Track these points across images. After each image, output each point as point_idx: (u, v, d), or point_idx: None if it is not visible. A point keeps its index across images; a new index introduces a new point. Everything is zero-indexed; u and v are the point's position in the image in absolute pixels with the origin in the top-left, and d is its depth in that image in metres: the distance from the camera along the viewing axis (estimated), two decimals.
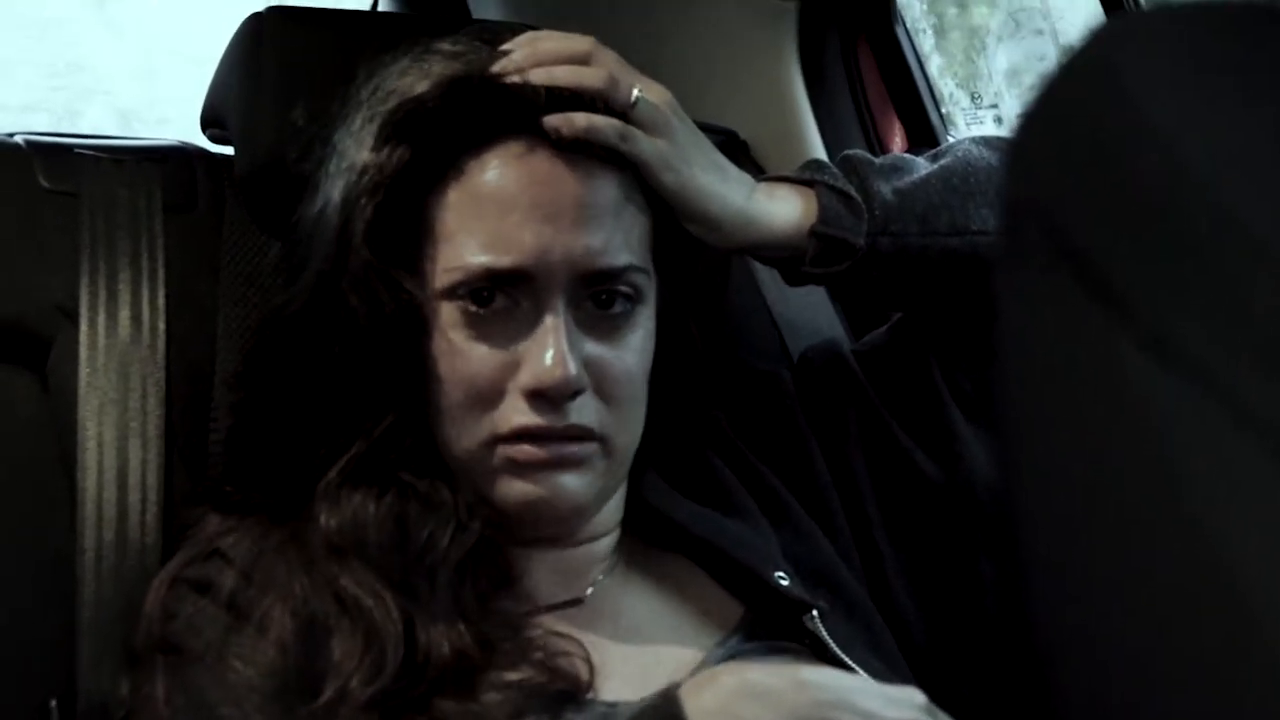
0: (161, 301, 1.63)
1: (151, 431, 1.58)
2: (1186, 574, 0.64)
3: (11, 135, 1.72)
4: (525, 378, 1.39)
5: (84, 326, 1.59)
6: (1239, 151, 0.64)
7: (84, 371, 1.57)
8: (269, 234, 1.69)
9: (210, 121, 1.81)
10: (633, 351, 1.45)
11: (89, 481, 1.54)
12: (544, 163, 1.42)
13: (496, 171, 1.42)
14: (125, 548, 1.53)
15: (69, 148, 1.70)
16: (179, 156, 1.75)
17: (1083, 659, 0.70)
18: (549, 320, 1.39)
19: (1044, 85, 0.70)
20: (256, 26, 1.71)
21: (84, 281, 1.60)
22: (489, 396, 1.41)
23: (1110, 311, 0.66)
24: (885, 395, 1.67)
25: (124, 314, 1.61)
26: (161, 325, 1.62)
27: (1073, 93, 0.69)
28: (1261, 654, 0.61)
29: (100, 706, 1.46)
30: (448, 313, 1.41)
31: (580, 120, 1.42)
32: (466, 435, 1.42)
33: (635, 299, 1.45)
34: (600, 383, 1.42)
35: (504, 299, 1.41)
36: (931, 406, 1.65)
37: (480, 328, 1.41)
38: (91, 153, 1.69)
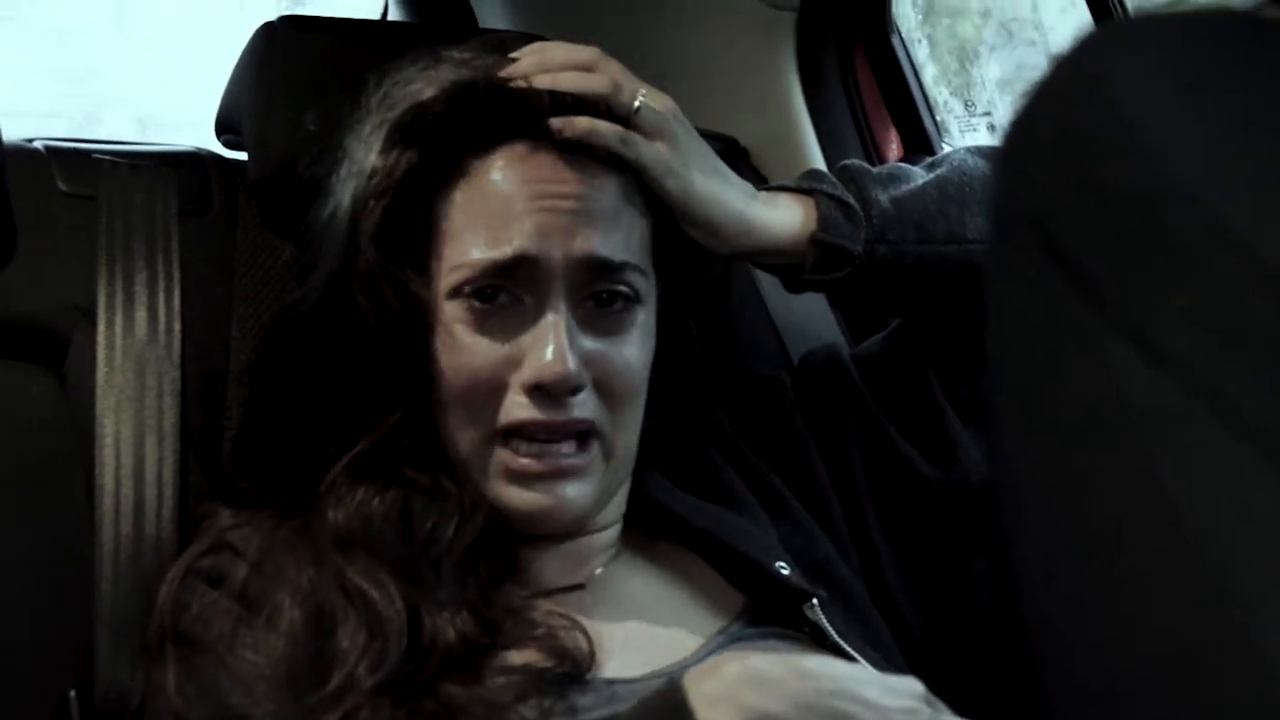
0: (177, 302, 1.65)
1: (167, 429, 1.59)
2: (1168, 566, 0.64)
3: (31, 140, 1.74)
4: (526, 372, 1.41)
5: (101, 326, 1.61)
6: (1225, 158, 0.65)
7: (101, 370, 1.59)
8: (281, 237, 1.72)
9: (224, 128, 1.84)
10: (632, 348, 1.47)
11: (106, 477, 1.56)
12: (547, 163, 1.45)
13: (501, 171, 1.45)
14: (141, 542, 1.55)
15: (87, 153, 1.72)
16: (194, 161, 1.78)
17: (1067, 649, 0.70)
18: (550, 316, 1.42)
19: (1033, 92, 0.71)
20: (269, 35, 1.74)
21: (101, 282, 1.63)
22: (490, 390, 1.43)
23: (1097, 313, 0.66)
24: (882, 399, 1.69)
25: (140, 314, 1.63)
26: (177, 325, 1.64)
27: (1061, 100, 0.70)
28: (1240, 642, 0.61)
29: (118, 697, 1.48)
30: (453, 310, 1.44)
31: (583, 123, 1.45)
32: (468, 430, 1.45)
33: (634, 299, 1.48)
34: (600, 379, 1.45)
35: (507, 296, 1.43)
36: (927, 410, 1.67)
37: (483, 324, 1.43)
38: (109, 158, 1.71)
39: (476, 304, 1.43)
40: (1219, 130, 0.66)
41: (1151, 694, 0.65)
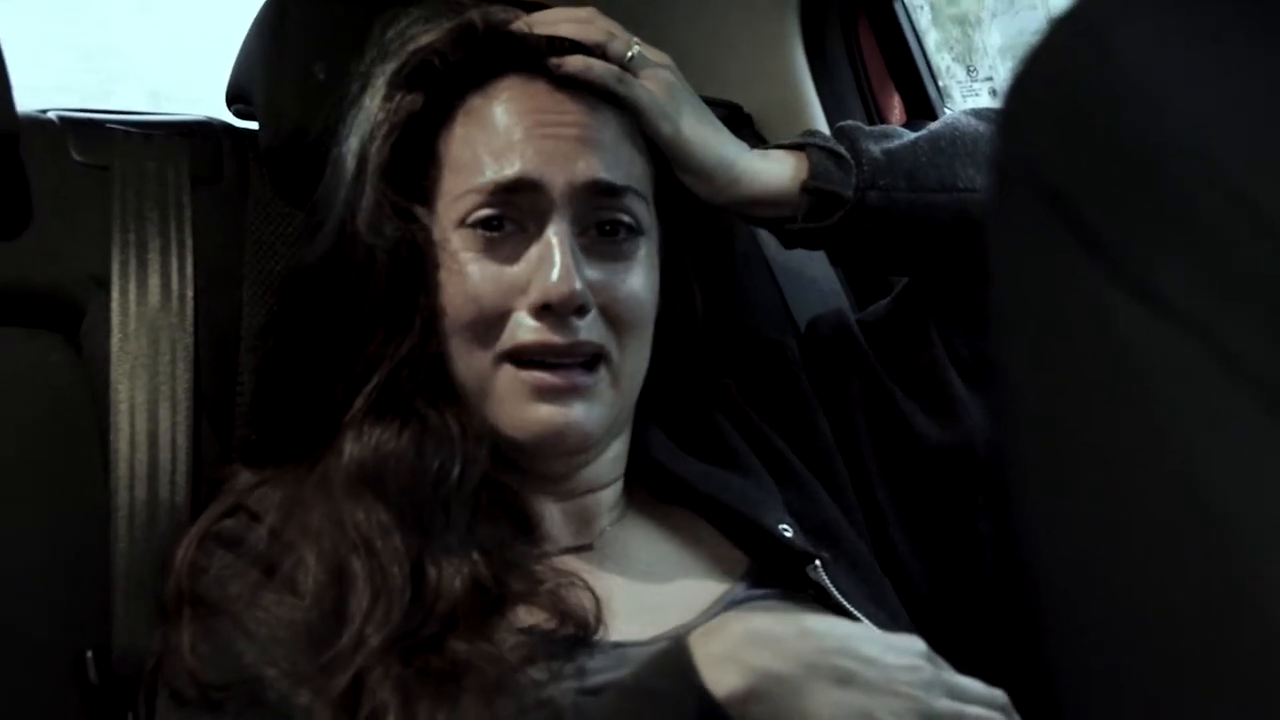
0: (189, 270, 1.66)
1: (180, 394, 1.61)
2: (1172, 517, 0.65)
3: (45, 112, 1.74)
4: (533, 294, 1.43)
5: (115, 294, 1.63)
6: (1226, 109, 0.65)
7: (115, 337, 1.61)
8: (292, 205, 1.74)
9: (235, 97, 1.86)
10: (636, 278, 1.49)
11: (121, 442, 1.58)
12: (547, 96, 1.49)
13: (502, 105, 1.48)
14: (156, 506, 1.56)
15: (100, 123, 1.74)
16: (206, 131, 1.79)
17: (1072, 602, 0.71)
18: (554, 239, 1.44)
19: (1034, 48, 0.71)
20: (279, 4, 1.75)
21: (115, 251, 1.64)
22: (497, 316, 1.45)
23: (1100, 263, 0.66)
24: (887, 361, 1.70)
25: (153, 282, 1.64)
26: (189, 293, 1.65)
27: (1063, 54, 0.70)
28: (1244, 594, 0.62)
29: (134, 659, 1.49)
30: (459, 241, 1.46)
31: (578, 61, 1.49)
32: (475, 355, 1.46)
33: (637, 229, 1.50)
34: (606, 305, 1.46)
35: (512, 226, 1.46)
36: (932, 371, 1.69)
37: (490, 252, 1.45)
38: (122, 128, 1.73)
39: (483, 233, 1.46)
40: (1222, 82, 0.66)
41: (1156, 645, 0.66)
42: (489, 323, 1.45)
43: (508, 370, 1.45)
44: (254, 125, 1.79)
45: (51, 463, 1.61)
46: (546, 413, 1.45)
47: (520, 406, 1.45)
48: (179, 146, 1.73)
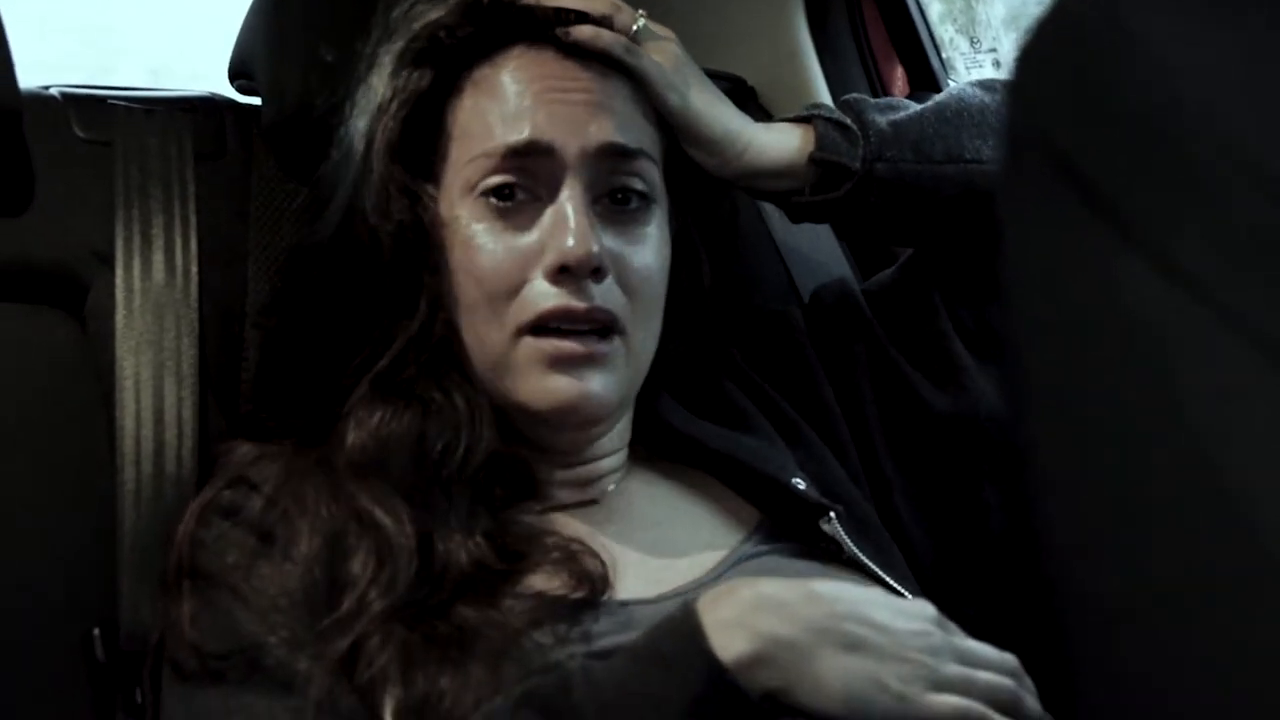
0: (193, 246, 1.66)
1: (185, 370, 1.61)
2: (1186, 487, 0.65)
3: (47, 88, 1.74)
4: (550, 257, 1.42)
5: (120, 271, 1.62)
6: (1239, 77, 0.65)
7: (120, 314, 1.61)
8: (296, 180, 1.73)
9: (237, 73, 1.85)
10: (650, 251, 1.49)
11: (127, 419, 1.58)
12: (556, 62, 1.49)
13: (510, 74, 1.48)
14: (162, 482, 1.56)
15: (103, 99, 1.73)
16: (208, 106, 1.79)
17: (1086, 568, 0.71)
18: (568, 205, 1.43)
19: (1043, 17, 0.71)
20: None
21: (119, 227, 1.64)
22: (514, 286, 1.44)
23: (1112, 230, 0.67)
24: (892, 330, 1.70)
25: (158, 258, 1.64)
26: (194, 268, 1.65)
27: (1073, 23, 0.70)
28: (1261, 561, 0.62)
29: (140, 635, 1.49)
30: (471, 210, 1.46)
31: (587, 29, 1.49)
32: (494, 331, 1.45)
33: (650, 197, 1.50)
34: (621, 274, 1.46)
35: (524, 194, 1.45)
36: (936, 340, 1.69)
37: (503, 222, 1.45)
38: (124, 103, 1.72)
39: (494, 202, 1.45)
40: (1235, 51, 0.66)
41: (1172, 617, 0.66)
42: (505, 294, 1.44)
43: (526, 342, 1.45)
44: (257, 101, 1.79)
45: (57, 439, 1.61)
46: (565, 383, 1.45)
47: (539, 377, 1.45)
48: (182, 122, 1.73)
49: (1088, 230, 0.68)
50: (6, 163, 1.63)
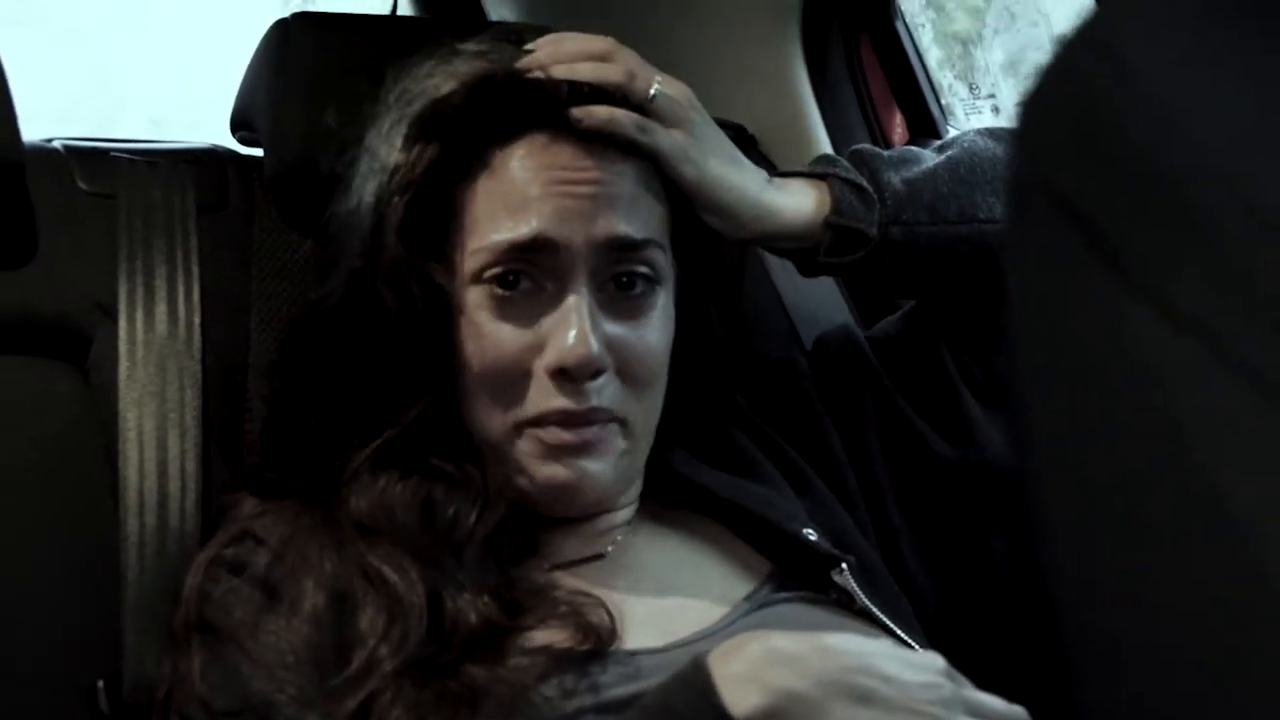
0: (196, 297, 1.66)
1: (189, 422, 1.61)
2: (1196, 529, 0.65)
3: (50, 140, 1.75)
4: (550, 356, 1.42)
5: (123, 323, 1.62)
6: (1240, 122, 0.65)
7: (123, 366, 1.61)
8: (298, 231, 1.73)
9: (239, 125, 1.85)
10: (654, 331, 1.48)
11: (130, 471, 1.58)
12: (566, 152, 1.46)
13: (520, 160, 1.46)
14: (166, 534, 1.56)
15: (105, 151, 1.74)
16: (210, 158, 1.79)
17: (1095, 612, 0.71)
18: (572, 300, 1.43)
19: (1048, 62, 0.71)
20: (283, 32, 1.76)
21: (122, 279, 1.64)
22: (514, 378, 1.44)
23: (1118, 277, 0.66)
24: (898, 379, 1.70)
25: (160, 310, 1.64)
26: (197, 320, 1.65)
27: (1077, 70, 0.70)
28: (1265, 596, 0.62)
29: (145, 687, 1.48)
30: (475, 297, 1.45)
31: (601, 113, 1.47)
32: (495, 420, 1.46)
33: (655, 280, 1.49)
34: (622, 363, 1.46)
35: (529, 282, 1.44)
36: (943, 389, 1.69)
37: (506, 310, 1.44)
38: (127, 156, 1.73)
39: (499, 290, 1.44)
40: (1239, 96, 0.66)
41: (1180, 648, 0.66)
42: (508, 383, 1.45)
43: (528, 431, 1.45)
44: (258, 152, 1.80)
45: (60, 492, 1.61)
46: (561, 471, 1.45)
47: (534, 466, 1.46)
48: (184, 174, 1.73)
49: (1090, 274, 0.68)
50: (10, 215, 1.63)
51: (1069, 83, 0.71)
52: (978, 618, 1.68)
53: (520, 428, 1.45)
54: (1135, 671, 0.69)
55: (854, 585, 1.49)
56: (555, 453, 1.45)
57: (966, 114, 2.35)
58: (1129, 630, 0.69)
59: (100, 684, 1.53)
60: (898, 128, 2.28)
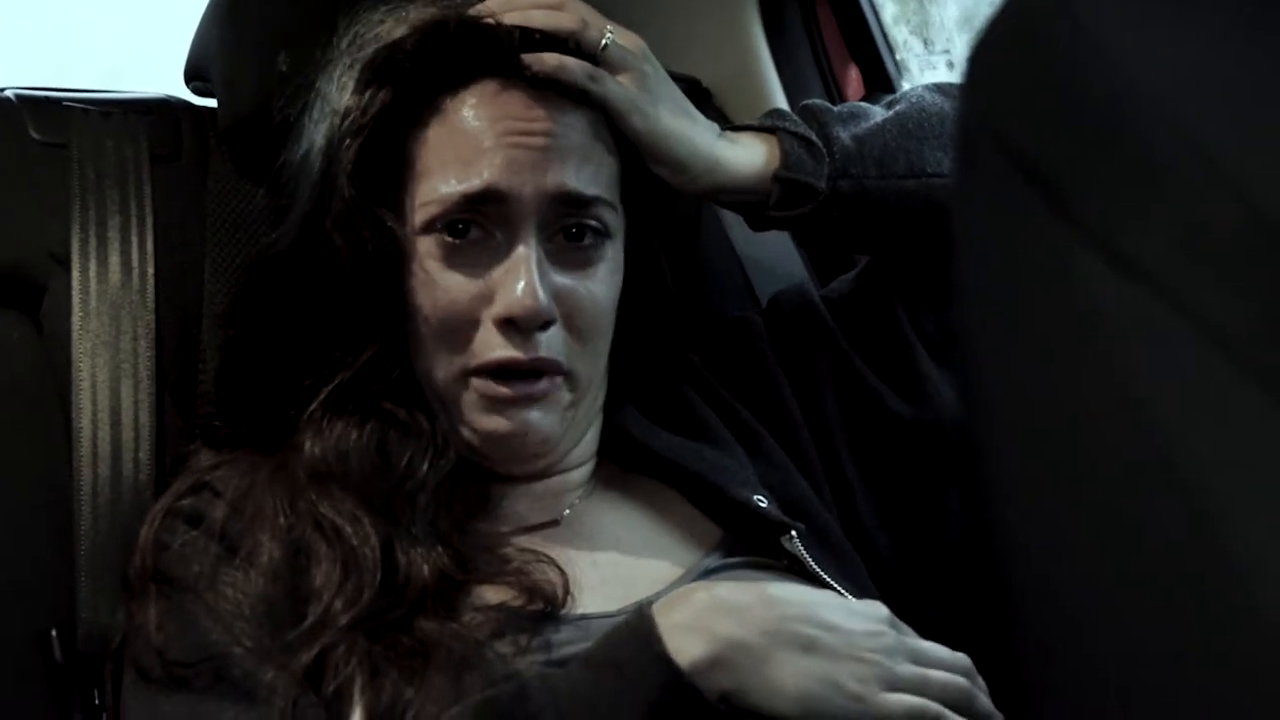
0: (150, 247, 1.66)
1: (142, 372, 1.61)
2: (1142, 478, 0.65)
3: (2, 90, 1.74)
4: (498, 307, 1.43)
5: (76, 273, 1.62)
6: (1190, 72, 0.65)
7: (76, 315, 1.61)
8: (252, 181, 1.72)
9: (193, 75, 1.84)
10: (600, 283, 1.49)
11: (84, 421, 1.58)
12: (517, 100, 1.46)
13: (472, 109, 1.46)
14: (120, 483, 1.56)
15: (58, 101, 1.73)
16: (164, 108, 1.79)
17: (1043, 569, 0.71)
18: (520, 250, 1.43)
19: (997, 14, 0.71)
20: None
21: (75, 229, 1.64)
22: (463, 326, 1.44)
23: (1067, 227, 0.67)
24: (853, 338, 1.70)
25: (114, 260, 1.64)
26: (150, 270, 1.65)
27: (1027, 20, 0.70)
28: (1218, 554, 0.62)
29: (99, 636, 1.50)
30: (425, 246, 1.45)
31: (552, 59, 1.47)
32: (442, 366, 1.46)
33: (604, 233, 1.49)
34: (568, 315, 1.46)
35: (478, 231, 1.45)
36: (898, 347, 1.69)
37: (455, 259, 1.45)
38: (80, 105, 1.72)
39: (448, 239, 1.45)
40: (1189, 46, 0.66)
41: (1130, 609, 0.67)
42: (456, 330, 1.45)
43: (473, 383, 1.46)
44: (213, 103, 1.79)
45: (13, 441, 1.61)
46: (503, 422, 1.46)
47: (478, 417, 1.47)
48: (138, 124, 1.73)
49: (1042, 226, 0.68)
50: None
51: (1019, 32, 0.71)
52: (935, 575, 1.68)
53: (466, 376, 1.46)
54: (1079, 627, 0.70)
55: (802, 551, 1.50)
56: (497, 405, 1.45)
57: (921, 69, 2.35)
58: (1070, 584, 0.70)
59: (54, 633, 1.53)
60: (853, 83, 2.28)
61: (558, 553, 1.45)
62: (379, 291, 1.46)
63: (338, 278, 1.46)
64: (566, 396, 1.48)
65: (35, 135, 1.69)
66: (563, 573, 1.41)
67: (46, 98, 1.74)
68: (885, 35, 2.28)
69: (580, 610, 1.40)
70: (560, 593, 1.39)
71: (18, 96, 1.73)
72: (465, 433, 1.48)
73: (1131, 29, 0.67)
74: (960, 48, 2.38)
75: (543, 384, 1.46)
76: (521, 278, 1.42)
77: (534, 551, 1.43)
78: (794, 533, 1.51)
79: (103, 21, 3.92)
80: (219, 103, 1.76)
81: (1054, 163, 0.68)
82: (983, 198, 0.74)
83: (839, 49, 2.28)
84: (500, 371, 1.44)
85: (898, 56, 2.30)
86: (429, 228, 1.45)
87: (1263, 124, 0.64)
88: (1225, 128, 0.64)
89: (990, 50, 0.72)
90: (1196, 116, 0.65)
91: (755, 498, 1.53)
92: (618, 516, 1.56)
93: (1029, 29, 0.71)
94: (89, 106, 1.73)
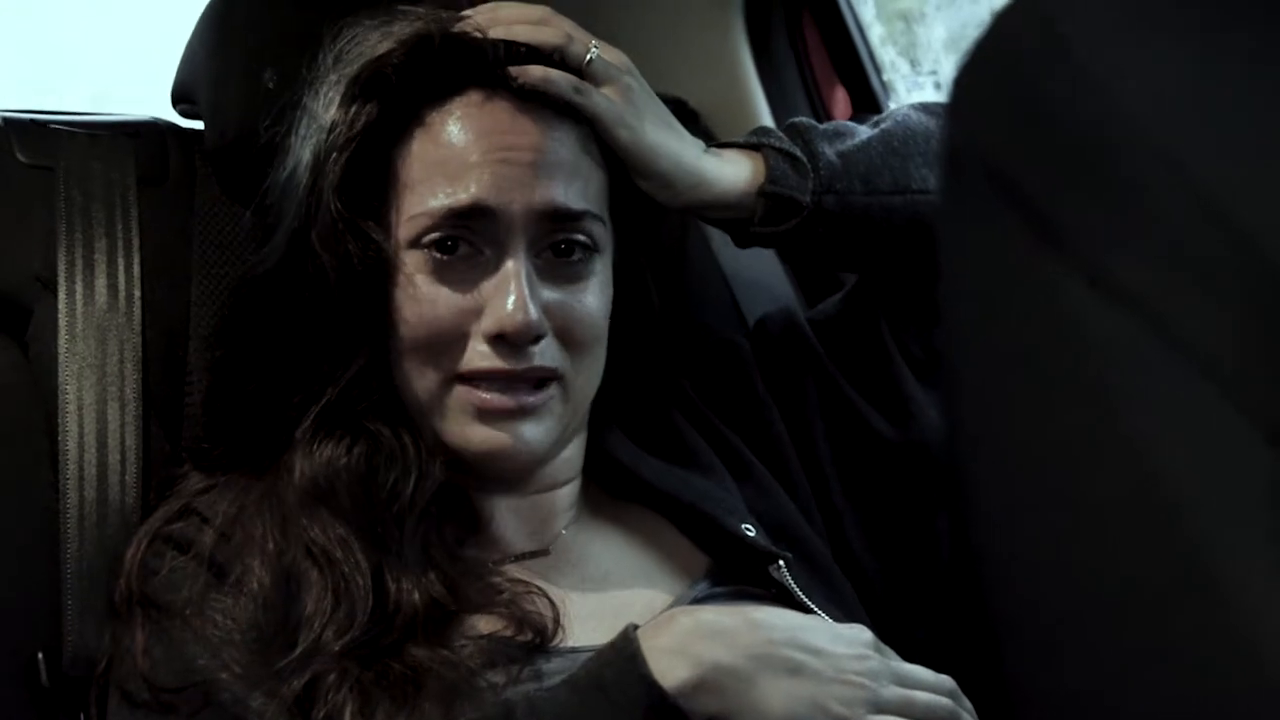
0: (137, 270, 1.66)
1: (129, 394, 1.61)
2: (1124, 499, 0.65)
3: None
4: (487, 322, 1.42)
5: (62, 295, 1.62)
6: (1173, 93, 0.65)
7: (63, 338, 1.60)
8: (239, 203, 1.72)
9: (180, 98, 1.84)
10: (591, 297, 1.48)
11: (70, 443, 1.57)
12: (504, 112, 1.46)
13: (458, 122, 1.46)
14: (106, 506, 1.56)
15: (44, 124, 1.73)
16: (151, 131, 1.79)
17: (1026, 589, 0.72)
18: (510, 266, 1.43)
19: (982, 35, 0.71)
20: (225, 3, 1.74)
21: (61, 252, 1.64)
22: (451, 339, 1.43)
23: (1051, 250, 0.67)
24: (840, 360, 1.70)
25: (100, 283, 1.63)
26: (137, 293, 1.65)
27: (1010, 40, 0.70)
28: (1198, 572, 0.63)
29: (85, 659, 1.49)
30: (413, 261, 1.45)
31: (537, 71, 1.47)
32: (427, 374, 1.45)
33: (593, 248, 1.49)
34: (561, 326, 1.45)
35: (467, 247, 1.44)
36: (884, 370, 1.69)
37: (444, 274, 1.44)
38: (67, 128, 1.72)
39: (437, 255, 1.44)
40: (1172, 69, 0.66)
41: (1112, 628, 0.67)
42: (444, 344, 1.44)
43: (458, 389, 1.45)
44: (200, 125, 1.79)
45: (0, 464, 1.60)
46: (492, 434, 1.45)
47: (466, 426, 1.45)
48: (124, 147, 1.73)
49: (1026, 246, 0.68)
50: None
51: (1004, 55, 0.71)
52: (923, 597, 1.68)
53: (451, 382, 1.45)
54: (1061, 648, 0.70)
55: (789, 581, 1.50)
56: (489, 416, 1.44)
57: (908, 90, 2.36)
58: (1055, 606, 0.70)
59: (40, 656, 1.53)
60: (840, 104, 2.28)
61: (548, 583, 1.45)
62: (365, 305, 1.45)
63: (324, 292, 1.45)
64: (560, 408, 1.48)
65: (21, 158, 1.69)
66: (553, 605, 1.41)
67: (33, 120, 1.74)
68: (872, 56, 2.29)
69: (571, 643, 1.40)
70: (551, 625, 1.39)
71: (4, 119, 1.73)
72: (451, 444, 1.47)
73: (1114, 51, 0.67)
74: (947, 69, 2.39)
75: (536, 397, 1.45)
76: (512, 293, 1.41)
77: (524, 582, 1.43)
78: (781, 562, 1.51)
79: (89, 44, 3.93)
80: (205, 125, 1.76)
81: (1037, 186, 0.68)
82: (967, 218, 0.74)
83: (826, 71, 2.29)
84: (491, 378, 1.43)
85: (885, 77, 2.31)
86: (416, 242, 1.45)
87: (1246, 145, 0.64)
88: (1208, 149, 0.64)
89: (975, 73, 0.73)
90: (1179, 138, 0.65)
91: (744, 526, 1.53)
92: (606, 545, 1.56)
93: (1013, 52, 0.71)
94: (76, 129, 1.73)
